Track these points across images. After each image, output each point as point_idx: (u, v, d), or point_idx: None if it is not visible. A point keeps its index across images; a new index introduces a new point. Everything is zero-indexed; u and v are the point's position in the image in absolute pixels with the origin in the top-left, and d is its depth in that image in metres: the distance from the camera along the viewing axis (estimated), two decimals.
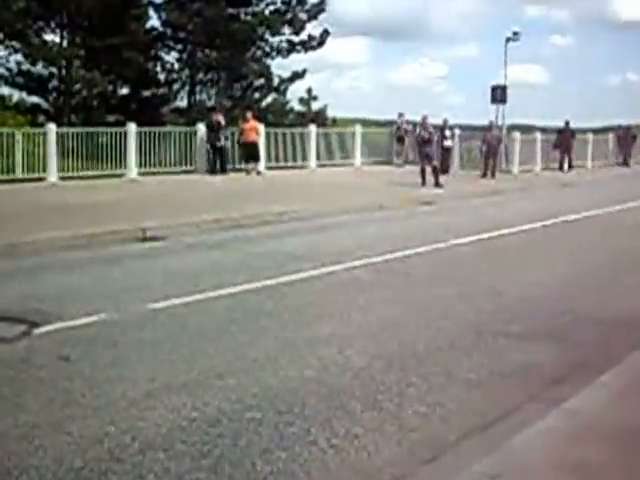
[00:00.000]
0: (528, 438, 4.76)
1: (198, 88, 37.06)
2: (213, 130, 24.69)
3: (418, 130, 25.08)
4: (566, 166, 32.91)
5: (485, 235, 13.84)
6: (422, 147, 23.50)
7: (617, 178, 31.79)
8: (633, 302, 9.08)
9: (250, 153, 25.36)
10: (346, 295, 9.04)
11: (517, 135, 31.28)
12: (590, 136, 36.75)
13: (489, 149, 27.79)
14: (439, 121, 28.60)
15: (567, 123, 34.44)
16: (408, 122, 31.94)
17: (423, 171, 23.00)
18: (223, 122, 25.05)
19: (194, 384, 5.93)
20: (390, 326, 7.73)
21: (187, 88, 36.84)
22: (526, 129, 38.22)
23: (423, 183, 22.69)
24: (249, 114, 26.27)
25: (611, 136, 38.72)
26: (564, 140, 33.71)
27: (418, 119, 26.52)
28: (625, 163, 37.88)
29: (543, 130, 37.34)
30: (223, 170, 24.54)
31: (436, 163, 23.40)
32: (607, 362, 6.39)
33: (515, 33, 32.56)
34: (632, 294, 9.54)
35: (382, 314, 8.19)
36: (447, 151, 27.99)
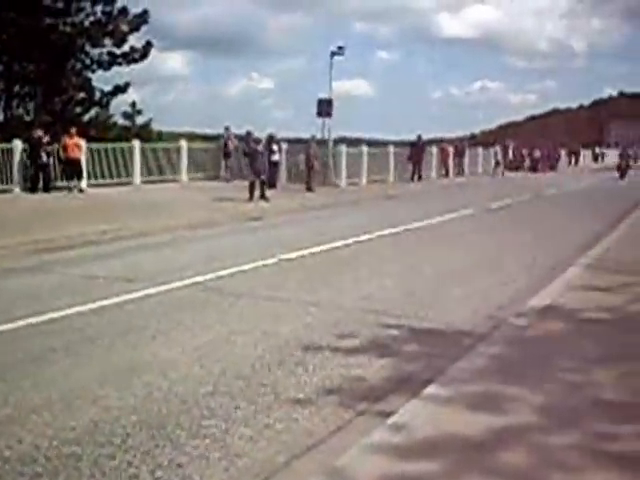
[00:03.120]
0: (357, 455, 4.72)
1: (15, 102, 35.59)
2: (34, 146, 23.76)
3: (245, 144, 25.06)
4: (416, 177, 34.81)
5: (314, 249, 13.90)
6: (251, 161, 23.52)
7: (440, 190, 33.04)
8: (457, 313, 9.29)
9: (73, 170, 24.54)
10: (172, 316, 8.80)
11: (343, 148, 31.80)
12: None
13: (310, 163, 28.29)
14: (266, 134, 28.66)
15: (419, 137, 37.43)
16: (235, 136, 31.90)
17: (252, 186, 22.99)
18: (45, 138, 24.16)
19: (7, 420, 5.58)
20: (216, 347, 7.55)
21: (2, 102, 35.27)
22: (353, 142, 39.13)
23: (251, 198, 22.69)
24: (73, 129, 25.36)
25: (435, 150, 40.31)
26: (416, 153, 36.16)
27: (245, 132, 26.54)
28: (446, 174, 40.13)
29: (369, 143, 38.40)
30: (46, 189, 23.67)
31: (264, 177, 23.46)
32: (431, 374, 6.48)
33: (340, 47, 33.11)
34: (457, 305, 9.77)
35: (208, 335, 7.99)
36: (274, 165, 28.02)
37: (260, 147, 23.96)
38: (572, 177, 46.35)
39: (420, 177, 36.43)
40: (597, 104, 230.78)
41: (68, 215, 18.13)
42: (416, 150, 36.84)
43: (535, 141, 66.87)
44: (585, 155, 73.25)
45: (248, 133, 24.87)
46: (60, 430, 5.39)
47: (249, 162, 23.80)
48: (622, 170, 46.54)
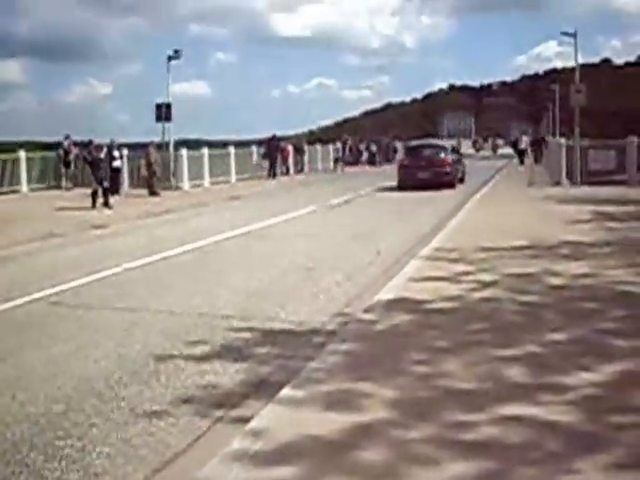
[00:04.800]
0: (218, 465, 4.68)
1: None
2: None
3: (85, 152, 24.63)
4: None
5: (158, 256, 13.75)
6: (93, 169, 23.21)
7: (282, 188, 33.38)
8: (306, 312, 9.41)
9: None
10: (18, 334, 8.51)
11: (184, 152, 31.72)
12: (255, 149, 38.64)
13: (151, 168, 28.18)
14: (107, 140, 28.17)
15: (274, 136, 41.30)
16: (75, 144, 31.35)
17: (95, 193, 22.78)
18: None
19: None
20: (67, 363, 7.35)
21: None
22: (194, 144, 39.07)
23: (94, 206, 22.40)
24: None
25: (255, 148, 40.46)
26: (271, 151, 38.91)
27: (87, 139, 26.12)
28: (287, 172, 41.02)
29: (210, 144, 38.51)
30: None
31: (107, 184, 23.13)
32: (285, 376, 6.53)
33: (176, 51, 32.98)
34: (305, 304, 9.86)
35: (58, 351, 7.77)
36: (116, 172, 27.67)
37: (102, 154, 23.66)
38: None
39: (275, 175, 38.61)
40: (429, 97, 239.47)
41: None
42: (271, 148, 39.08)
43: (372, 135, 69.01)
44: None
45: (90, 141, 24.48)
46: None
47: (91, 170, 23.49)
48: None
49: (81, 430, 5.68)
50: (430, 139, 43.96)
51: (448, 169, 30.57)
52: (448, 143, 38.67)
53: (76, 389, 6.62)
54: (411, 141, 47.77)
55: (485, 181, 32.93)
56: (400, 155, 46.17)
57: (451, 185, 29.78)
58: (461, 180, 32.52)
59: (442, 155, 31.67)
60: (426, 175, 29.70)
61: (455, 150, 35.75)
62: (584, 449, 4.71)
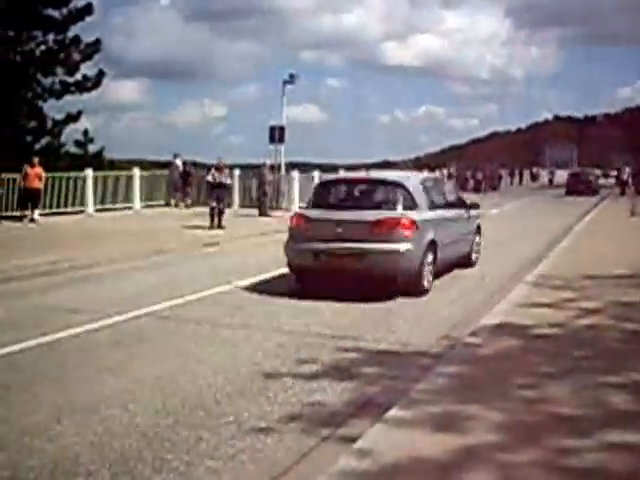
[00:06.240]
0: None
1: None
2: None
3: (211, 172, 24.50)
4: None
5: (268, 274, 13.93)
6: (214, 189, 23.45)
7: None
8: (412, 334, 9.40)
9: (30, 200, 24.00)
10: (128, 348, 8.71)
11: (295, 174, 32.05)
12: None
13: (262, 189, 28.47)
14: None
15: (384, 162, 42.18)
16: (186, 163, 31.90)
17: (213, 211, 22.94)
18: None
19: None
20: (176, 377, 7.49)
21: None
22: (303, 167, 39.57)
23: (212, 224, 22.60)
24: (36, 159, 24.57)
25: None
26: None
27: (199, 160, 26.56)
28: None
29: (319, 167, 38.95)
30: None
31: (222, 206, 23.35)
32: (392, 396, 6.54)
33: (291, 76, 33.72)
34: (411, 326, 9.88)
35: (168, 365, 7.95)
36: (228, 191, 28.14)
37: (228, 179, 24.03)
38: (513, 197, 48.02)
39: None
40: (533, 127, 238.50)
41: (20, 245, 17.88)
42: None
43: (478, 163, 69.98)
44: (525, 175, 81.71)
45: (219, 160, 24.62)
46: (18, 471, 5.24)
47: (210, 190, 23.75)
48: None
49: (188, 444, 5.76)
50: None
51: (593, 185, 54.42)
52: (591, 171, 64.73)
53: (184, 403, 6.72)
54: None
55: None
56: (505, 182, 66.13)
57: (594, 193, 50.65)
58: (596, 191, 52.17)
59: (589, 177, 57.05)
60: (581, 187, 52.18)
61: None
62: None
